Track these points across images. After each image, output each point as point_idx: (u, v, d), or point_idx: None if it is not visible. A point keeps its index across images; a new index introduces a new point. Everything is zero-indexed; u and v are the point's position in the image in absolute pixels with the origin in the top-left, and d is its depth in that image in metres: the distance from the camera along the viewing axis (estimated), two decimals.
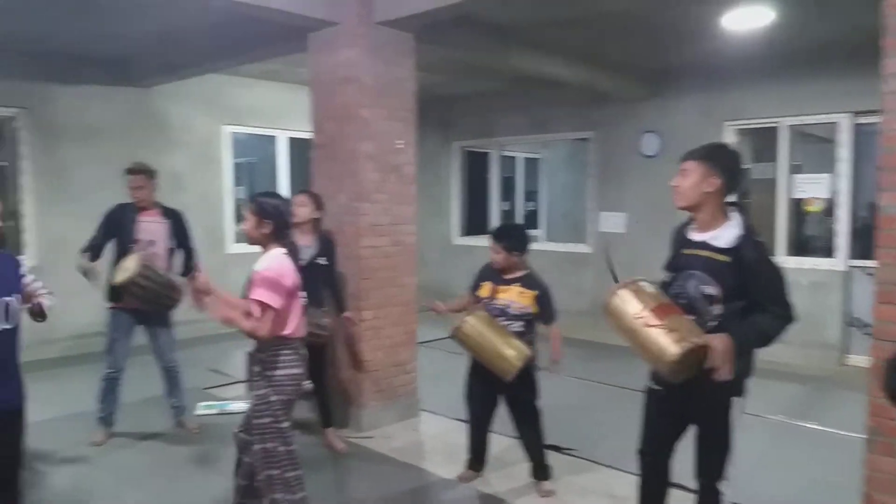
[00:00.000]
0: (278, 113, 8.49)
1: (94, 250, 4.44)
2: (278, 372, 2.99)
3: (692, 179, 2.65)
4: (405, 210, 4.99)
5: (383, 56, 4.72)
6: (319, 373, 4.45)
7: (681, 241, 2.79)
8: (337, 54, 4.69)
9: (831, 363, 6.58)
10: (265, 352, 3.03)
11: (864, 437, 2.84)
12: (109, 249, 4.49)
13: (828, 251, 6.88)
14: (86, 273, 4.27)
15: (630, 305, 2.60)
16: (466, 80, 8.25)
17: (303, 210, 4.24)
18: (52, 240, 6.70)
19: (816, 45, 6.12)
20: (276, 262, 2.95)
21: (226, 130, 8.21)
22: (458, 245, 9.95)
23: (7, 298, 2.68)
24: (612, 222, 8.19)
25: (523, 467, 3.94)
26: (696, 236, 2.71)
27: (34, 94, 6.75)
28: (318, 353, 4.41)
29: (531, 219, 11.43)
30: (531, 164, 11.63)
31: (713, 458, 2.73)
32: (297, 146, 8.89)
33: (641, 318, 2.54)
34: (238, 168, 8.69)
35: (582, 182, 9.44)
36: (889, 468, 2.75)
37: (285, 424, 3.04)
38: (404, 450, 4.47)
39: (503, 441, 4.24)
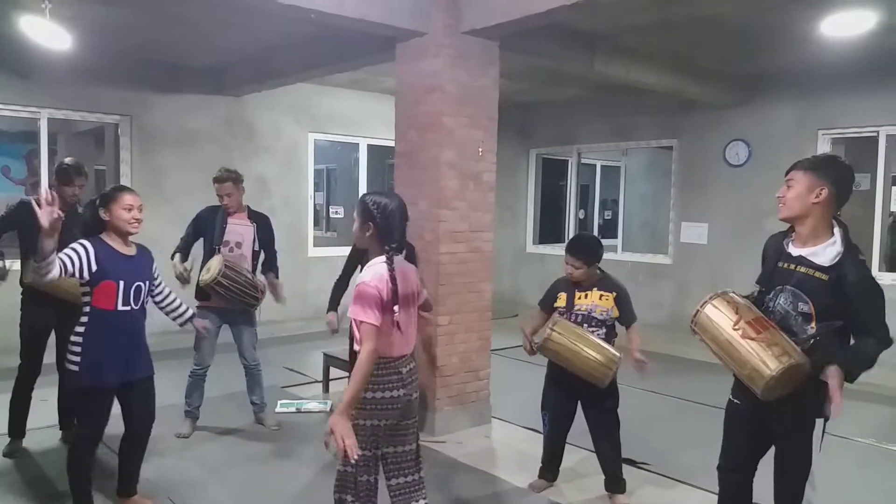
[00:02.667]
0: (360, 121, 8.71)
1: (184, 250, 4.70)
2: (370, 394, 2.64)
3: (798, 189, 2.55)
4: (483, 217, 5.02)
5: (468, 65, 4.77)
6: None
7: (777, 253, 2.70)
8: (423, 64, 4.78)
9: None
10: None
11: None
12: (200, 250, 4.73)
13: None
14: (179, 277, 4.53)
15: (726, 316, 2.55)
16: (548, 87, 8.21)
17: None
18: (145, 240, 7.00)
19: None
20: (372, 273, 2.61)
21: (310, 137, 8.48)
22: (531, 253, 9.90)
23: (139, 283, 3.29)
24: (694, 233, 7.96)
25: (597, 480, 3.88)
26: (794, 250, 2.61)
27: (136, 101, 7.17)
28: None
29: (608, 228, 11.25)
30: (609, 172, 11.45)
31: (791, 480, 2.64)
32: (374, 153, 9.11)
33: (739, 328, 2.48)
34: (317, 174, 8.95)
35: (662, 191, 9.22)
36: None
37: (373, 452, 2.71)
38: (476, 456, 4.48)
39: (577, 452, 4.20)
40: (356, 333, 2.60)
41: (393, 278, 2.61)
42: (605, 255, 3.81)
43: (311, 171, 8.61)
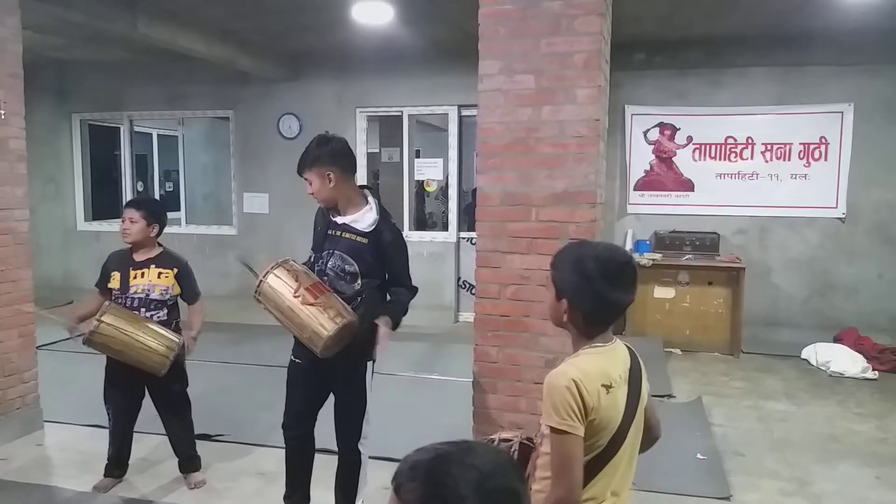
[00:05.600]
0: None
1: None
2: None
3: (317, 185, 2.89)
4: (14, 192, 4.32)
5: None
6: None
7: (326, 222, 3.00)
8: None
9: (448, 321, 7.67)
10: None
11: (472, 380, 3.44)
12: None
13: (444, 225, 7.96)
14: None
15: (286, 284, 2.74)
16: (88, 45, 7.34)
17: None
18: None
19: (430, 43, 6.93)
20: None
21: None
22: (84, 231, 8.90)
23: None
24: (256, 203, 8.20)
25: (171, 463, 3.79)
26: (339, 219, 2.96)
27: None
28: None
29: (170, 200, 10.74)
30: (168, 141, 10.88)
31: (350, 420, 3.03)
32: None
33: (300, 296, 2.69)
34: None
35: (224, 162, 9.22)
36: (490, 403, 3.38)
37: None
38: (26, 469, 3.92)
39: (148, 440, 4.01)
40: None
41: None
42: (170, 230, 3.68)
43: None
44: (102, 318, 3.22)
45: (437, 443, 1.03)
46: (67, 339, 5.48)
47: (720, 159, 7.08)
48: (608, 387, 1.64)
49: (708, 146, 7.09)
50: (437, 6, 5.69)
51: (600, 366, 1.67)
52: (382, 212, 3.01)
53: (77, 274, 8.51)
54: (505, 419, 3.27)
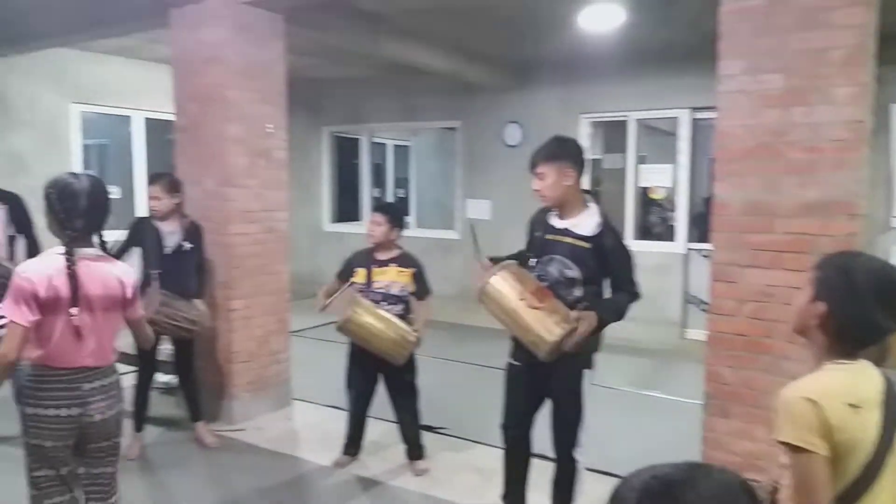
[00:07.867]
0: (134, 92, 7.97)
1: None
2: (29, 409, 2.30)
3: (551, 179, 2.86)
4: (277, 196, 4.92)
5: (251, 36, 4.62)
6: (187, 365, 4.33)
7: (543, 226, 3.00)
8: (201, 32, 4.54)
9: (673, 337, 7.25)
10: (21, 380, 2.41)
11: (701, 402, 3.22)
12: None
13: (669, 235, 7.56)
14: None
15: (510, 287, 2.78)
16: (337, 64, 8.18)
17: (158, 203, 4.07)
18: None
19: (662, 45, 6.63)
20: (34, 266, 2.29)
21: (74, 109, 7.60)
22: (329, 232, 9.89)
23: None
24: (479, 209, 8.48)
25: (398, 449, 4.06)
26: (558, 223, 2.94)
27: None
28: (185, 345, 4.27)
29: (402, 205, 11.57)
30: (401, 151, 11.73)
31: (567, 428, 2.99)
32: (154, 127, 8.41)
33: (525, 299, 2.72)
34: (88, 150, 8.07)
35: (450, 170, 9.67)
36: (722, 428, 3.15)
37: (41, 474, 2.33)
38: (278, 440, 4.45)
39: (379, 425, 4.33)
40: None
41: (72, 274, 2.26)
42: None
43: (79, 146, 7.73)
44: (357, 309, 3.58)
45: (657, 465, 0.98)
46: (315, 327, 6.09)
47: None
48: (855, 406, 1.45)
49: None
50: (670, 6, 5.45)
51: (845, 382, 1.49)
52: (604, 216, 2.94)
53: (323, 270, 9.44)
54: (738, 447, 3.03)
